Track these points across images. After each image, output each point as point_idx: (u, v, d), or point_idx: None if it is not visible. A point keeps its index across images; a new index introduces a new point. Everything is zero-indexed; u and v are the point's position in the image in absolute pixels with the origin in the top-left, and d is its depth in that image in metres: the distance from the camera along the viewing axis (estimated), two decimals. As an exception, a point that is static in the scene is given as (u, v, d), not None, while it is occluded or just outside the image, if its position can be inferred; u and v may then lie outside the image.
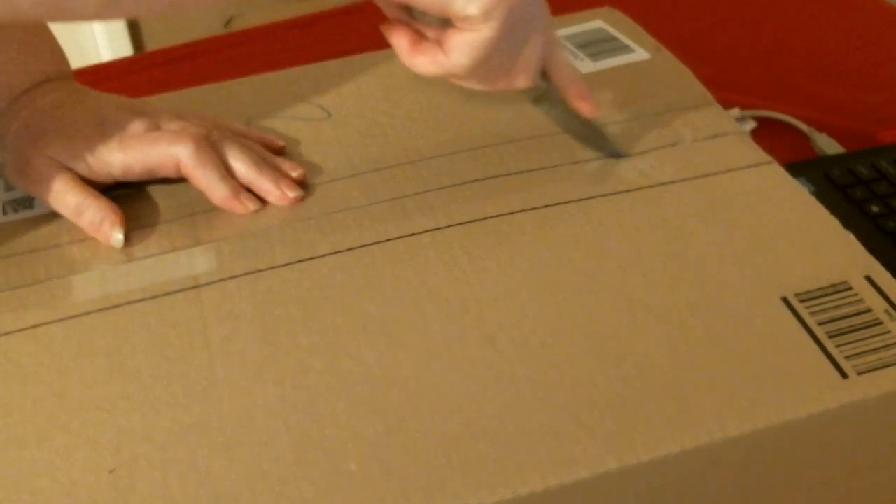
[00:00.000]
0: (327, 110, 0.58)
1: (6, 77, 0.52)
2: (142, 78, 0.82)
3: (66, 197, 0.49)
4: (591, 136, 0.54)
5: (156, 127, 0.51)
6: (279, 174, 0.51)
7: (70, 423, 0.40)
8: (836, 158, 0.69)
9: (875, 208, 0.62)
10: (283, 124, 0.57)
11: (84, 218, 0.49)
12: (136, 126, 0.50)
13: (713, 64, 0.65)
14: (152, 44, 1.51)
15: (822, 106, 0.76)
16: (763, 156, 0.53)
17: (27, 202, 0.52)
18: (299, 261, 0.47)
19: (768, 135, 0.58)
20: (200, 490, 0.37)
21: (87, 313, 0.45)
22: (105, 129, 0.50)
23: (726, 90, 0.61)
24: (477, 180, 0.51)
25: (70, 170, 0.50)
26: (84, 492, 0.38)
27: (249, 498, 0.37)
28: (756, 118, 0.73)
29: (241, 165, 0.51)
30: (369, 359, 0.42)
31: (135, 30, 1.48)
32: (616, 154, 0.53)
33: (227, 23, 1.37)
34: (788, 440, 0.41)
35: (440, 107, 0.57)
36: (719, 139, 0.54)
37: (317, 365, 0.42)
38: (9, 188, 0.53)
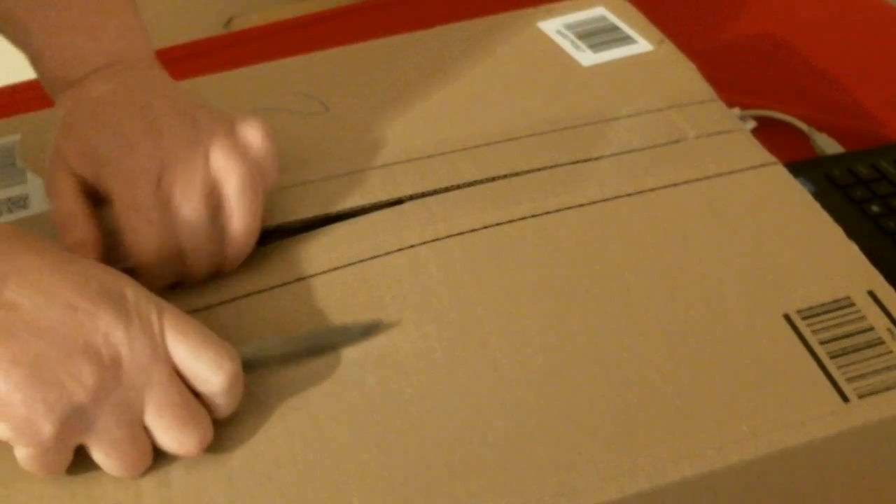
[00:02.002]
0: (325, 104, 0.57)
1: (60, 65, 0.49)
2: (141, 78, 0.82)
3: (58, 203, 0.46)
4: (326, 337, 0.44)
5: None
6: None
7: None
8: (836, 158, 0.69)
9: (875, 208, 0.62)
10: (277, 117, 0.56)
11: (66, 235, 0.45)
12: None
13: (713, 64, 0.65)
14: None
15: (822, 106, 0.76)
16: (766, 156, 0.53)
17: (22, 202, 0.51)
18: (299, 279, 0.46)
19: (768, 135, 0.58)
20: None
21: None
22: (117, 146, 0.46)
23: (726, 90, 0.60)
24: (476, 182, 0.51)
25: (76, 175, 0.46)
26: None
27: None
28: (756, 118, 0.73)
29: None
30: (371, 385, 0.41)
31: (135, 30, 1.48)
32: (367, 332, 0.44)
33: (227, 23, 1.37)
34: (789, 465, 0.40)
35: (439, 102, 0.57)
36: (722, 137, 0.54)
37: (318, 392, 0.41)
38: (3, 186, 0.53)
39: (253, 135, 0.47)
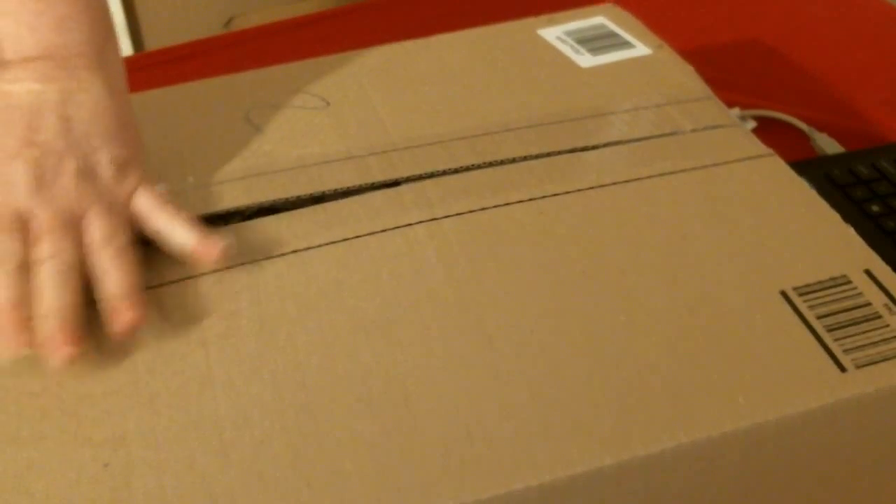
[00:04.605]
0: (326, 100, 0.58)
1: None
2: (142, 78, 0.82)
3: None
4: None
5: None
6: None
7: (66, 421, 0.40)
8: (836, 158, 0.69)
9: (875, 208, 0.62)
10: (280, 113, 0.57)
11: None
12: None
13: (714, 64, 0.65)
14: (152, 44, 1.51)
15: (822, 106, 0.76)
16: (763, 148, 0.53)
17: None
18: (294, 251, 0.46)
19: (768, 135, 0.58)
20: (196, 490, 0.37)
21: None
22: None
23: (726, 90, 0.60)
24: (474, 168, 0.51)
25: None
26: (80, 493, 0.37)
27: (245, 498, 0.37)
28: (756, 118, 0.73)
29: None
30: (366, 358, 0.42)
31: (135, 30, 1.48)
32: None
33: (227, 23, 1.37)
34: (787, 435, 0.41)
35: (439, 100, 0.57)
36: (719, 130, 0.54)
37: (313, 364, 0.42)
38: None
39: (149, 211, 0.46)
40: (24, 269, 0.42)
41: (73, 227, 0.43)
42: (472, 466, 0.38)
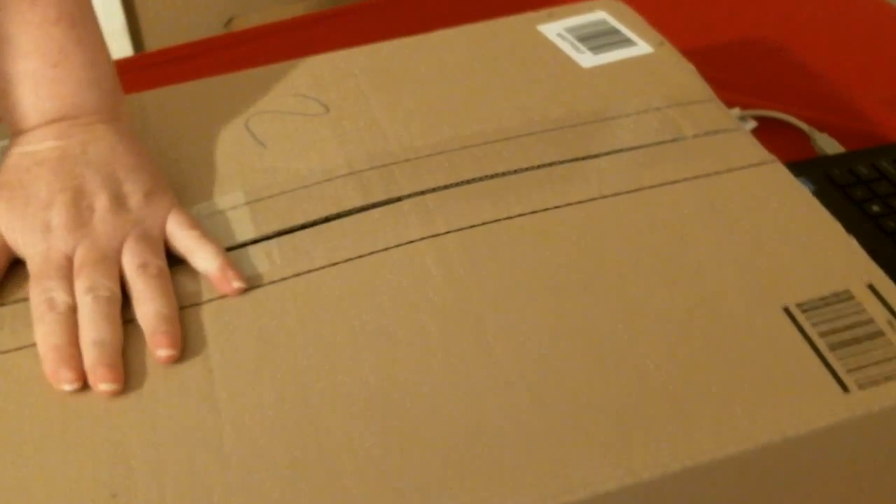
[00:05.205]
0: (325, 105, 0.57)
1: (11, 114, 0.50)
2: (142, 78, 0.82)
3: None
4: None
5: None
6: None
7: (68, 435, 0.40)
8: (836, 158, 0.69)
9: (875, 208, 0.62)
10: (279, 119, 0.56)
11: None
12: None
13: (714, 64, 0.65)
14: (152, 44, 1.51)
15: (822, 106, 0.76)
16: (765, 154, 0.53)
17: None
18: (296, 274, 0.46)
19: (768, 135, 0.58)
20: (196, 497, 0.37)
21: None
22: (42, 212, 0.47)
23: (727, 90, 0.60)
24: (475, 180, 0.51)
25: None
26: (81, 500, 0.37)
27: None
28: (756, 118, 0.73)
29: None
30: (366, 367, 0.42)
31: (135, 30, 1.48)
32: None
33: (228, 23, 1.37)
34: (788, 455, 0.40)
35: (439, 103, 0.57)
36: (721, 135, 0.54)
37: (313, 375, 0.41)
38: None
39: (177, 231, 0.48)
40: (74, 308, 0.44)
41: (111, 258, 0.46)
42: (473, 474, 0.38)
